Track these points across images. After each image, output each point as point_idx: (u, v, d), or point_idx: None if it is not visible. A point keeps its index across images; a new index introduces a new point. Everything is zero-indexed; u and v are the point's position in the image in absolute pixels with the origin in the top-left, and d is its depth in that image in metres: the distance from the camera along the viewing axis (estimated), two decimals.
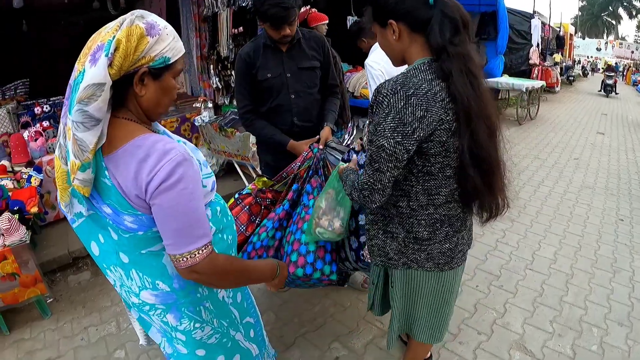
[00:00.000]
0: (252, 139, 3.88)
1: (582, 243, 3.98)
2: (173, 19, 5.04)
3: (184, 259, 1.06)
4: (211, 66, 4.89)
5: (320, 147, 2.14)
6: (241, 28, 4.31)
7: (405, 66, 1.35)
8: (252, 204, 2.07)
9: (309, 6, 4.17)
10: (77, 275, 3.30)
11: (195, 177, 1.06)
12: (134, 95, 1.06)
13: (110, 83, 0.96)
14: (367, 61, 3.55)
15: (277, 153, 2.37)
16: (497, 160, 1.31)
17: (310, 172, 2.05)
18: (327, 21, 4.04)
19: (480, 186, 1.31)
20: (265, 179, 2.23)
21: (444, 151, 1.27)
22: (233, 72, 4.74)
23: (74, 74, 0.99)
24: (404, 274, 1.55)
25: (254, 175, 4.40)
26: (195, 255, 1.06)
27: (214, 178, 1.27)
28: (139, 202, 1.03)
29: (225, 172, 4.88)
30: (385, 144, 1.22)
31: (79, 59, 1.00)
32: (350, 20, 6.29)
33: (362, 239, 1.75)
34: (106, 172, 1.02)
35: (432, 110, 1.19)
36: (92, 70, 0.94)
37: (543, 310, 2.89)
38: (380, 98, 1.21)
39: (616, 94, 17.52)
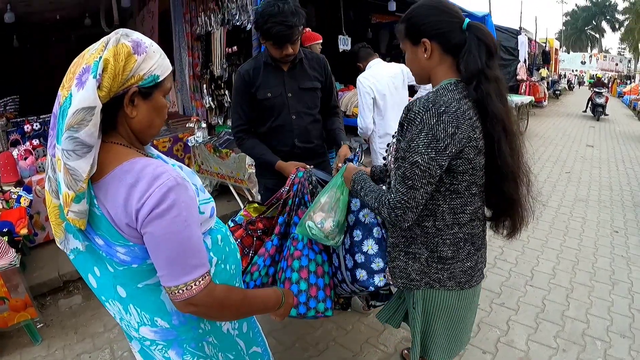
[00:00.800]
0: (249, 160, 3.83)
1: (580, 257, 3.99)
2: (165, 37, 5.03)
3: (180, 291, 0.99)
4: (204, 85, 4.87)
5: (340, 165, 2.03)
6: (235, 47, 4.29)
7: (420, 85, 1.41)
8: (244, 236, 1.97)
9: (303, 27, 4.19)
10: (68, 299, 3.20)
11: (189, 202, 0.99)
12: (124, 117, 1.01)
13: (101, 106, 0.91)
14: (359, 77, 3.61)
15: (276, 176, 2.29)
16: (525, 173, 1.39)
17: (297, 200, 1.96)
18: (321, 40, 4.07)
19: (513, 200, 1.38)
20: (256, 204, 2.15)
21: (471, 169, 1.31)
22: (226, 92, 4.72)
23: (59, 100, 0.94)
24: (425, 294, 1.53)
25: (249, 197, 4.35)
26: (192, 286, 0.99)
27: (213, 204, 1.20)
28: (130, 231, 0.97)
29: (219, 192, 4.80)
30: (419, 160, 1.23)
31: (62, 85, 0.95)
32: (342, 39, 6.32)
33: (357, 257, 1.68)
34: (95, 201, 0.97)
35: (461, 128, 1.24)
36: (80, 93, 0.90)
37: (546, 325, 2.87)
38: (412, 115, 1.25)
39: (606, 115, 14.40)
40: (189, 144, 4.48)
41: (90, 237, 1.01)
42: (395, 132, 1.41)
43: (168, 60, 1.07)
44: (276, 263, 1.89)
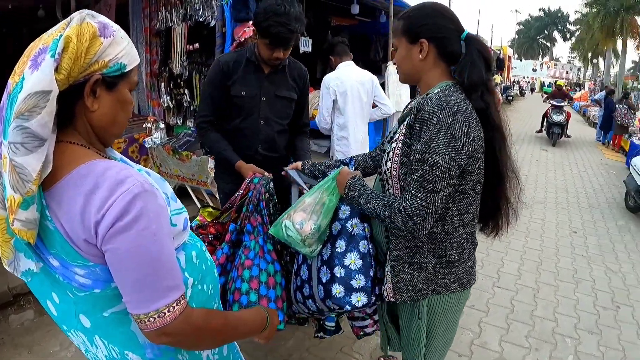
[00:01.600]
0: (211, 163, 3.65)
1: (542, 257, 4.08)
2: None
3: (151, 319, 0.83)
4: (162, 84, 4.65)
5: (290, 168, 1.90)
6: (197, 44, 4.11)
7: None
8: None
9: None
10: (19, 314, 2.90)
11: (159, 212, 0.84)
12: (83, 111, 0.85)
13: (57, 91, 0.77)
14: (325, 77, 3.50)
15: (234, 181, 2.12)
16: (516, 173, 1.41)
17: (251, 207, 1.80)
18: None
19: (505, 200, 1.41)
20: (210, 209, 1.99)
21: (478, 168, 1.30)
22: (186, 91, 4.51)
23: (8, 89, 0.78)
24: (430, 301, 1.45)
25: (209, 201, 4.19)
26: (165, 313, 0.83)
27: (186, 214, 1.02)
28: (89, 249, 0.81)
29: (177, 196, 4.56)
30: (440, 160, 1.19)
31: (13, 72, 0.79)
32: (303, 41, 6.23)
33: (336, 270, 1.50)
34: (47, 212, 0.80)
35: (472, 127, 1.23)
36: (34, 76, 0.75)
37: (517, 326, 2.90)
38: (426, 115, 1.21)
39: (568, 136, 11.58)
40: (146, 145, 4.26)
41: (43, 257, 0.85)
42: (395, 136, 1.36)
43: (136, 51, 0.93)
44: (227, 272, 1.73)
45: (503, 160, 1.34)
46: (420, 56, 1.33)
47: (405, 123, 1.31)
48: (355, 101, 3.51)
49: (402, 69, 1.42)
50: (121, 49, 0.86)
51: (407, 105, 1.50)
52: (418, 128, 1.23)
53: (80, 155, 0.84)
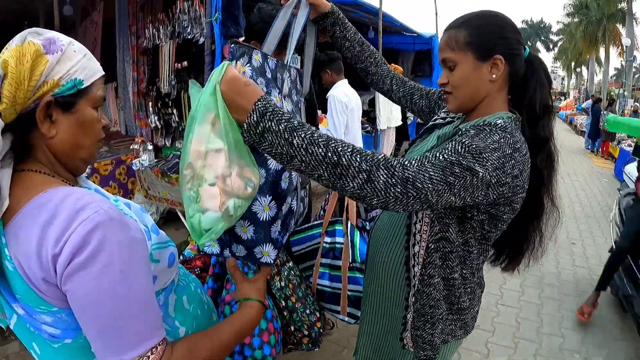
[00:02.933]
0: None
1: (543, 271, 4.01)
2: (108, 50, 4.70)
3: None
4: (150, 103, 4.53)
5: None
6: (185, 62, 4.02)
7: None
8: None
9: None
10: (3, 346, 2.75)
11: (129, 245, 0.72)
12: (41, 139, 0.77)
13: (2, 125, 0.69)
14: (334, 93, 3.39)
15: None
16: (557, 208, 1.26)
17: None
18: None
19: (539, 233, 1.24)
20: None
21: (510, 218, 1.10)
22: (174, 111, 4.40)
23: None
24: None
25: None
26: None
27: (173, 249, 0.90)
28: (49, 290, 0.70)
29: (166, 219, 4.43)
30: (481, 171, 0.93)
31: None
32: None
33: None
34: (7, 251, 0.71)
35: (523, 175, 1.02)
36: None
37: (524, 344, 2.82)
38: (488, 130, 1.00)
39: None
40: (134, 168, 4.13)
41: (10, 304, 0.74)
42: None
43: (97, 63, 0.82)
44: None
45: (549, 190, 1.17)
46: (493, 76, 1.08)
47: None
48: (357, 119, 3.49)
49: (461, 92, 1.11)
50: (73, 64, 0.77)
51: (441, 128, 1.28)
52: (477, 133, 1.00)
53: (39, 183, 0.75)
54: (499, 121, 1.03)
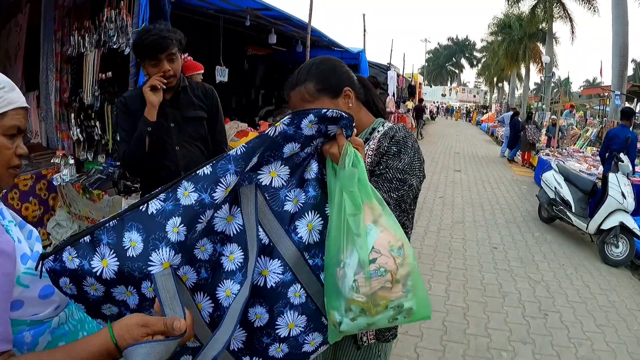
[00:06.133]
0: (124, 204, 3.38)
1: (467, 275, 4.22)
2: (32, 56, 4.40)
3: None
4: (72, 114, 4.28)
5: None
6: (110, 73, 3.84)
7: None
8: None
9: (187, 54, 3.93)
10: None
11: None
12: None
13: None
14: None
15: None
16: None
17: None
18: (203, 70, 3.89)
19: None
20: None
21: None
22: (97, 123, 4.19)
23: None
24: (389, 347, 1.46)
25: None
26: None
27: (47, 281, 0.82)
28: None
29: None
30: (415, 182, 1.25)
31: None
32: (219, 70, 6.10)
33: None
34: None
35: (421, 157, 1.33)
36: None
37: (452, 346, 2.94)
38: (402, 140, 1.27)
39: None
40: (54, 183, 3.87)
41: None
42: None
43: (18, 94, 0.83)
44: None
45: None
46: (350, 105, 1.30)
47: (374, 145, 1.29)
48: None
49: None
50: None
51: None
52: (400, 150, 1.25)
53: None
54: (389, 124, 1.35)
